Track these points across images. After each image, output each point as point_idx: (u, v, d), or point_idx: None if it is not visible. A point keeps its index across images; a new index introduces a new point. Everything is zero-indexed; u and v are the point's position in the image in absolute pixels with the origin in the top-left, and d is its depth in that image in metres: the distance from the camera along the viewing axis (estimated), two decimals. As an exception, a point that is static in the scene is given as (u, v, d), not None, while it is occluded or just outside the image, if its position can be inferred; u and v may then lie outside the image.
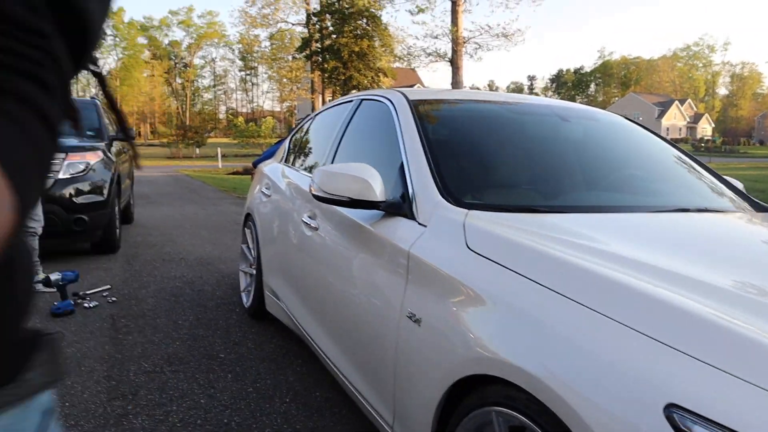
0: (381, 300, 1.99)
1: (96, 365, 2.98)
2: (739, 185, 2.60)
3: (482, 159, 2.38)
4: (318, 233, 2.61)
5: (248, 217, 4.15)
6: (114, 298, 4.20)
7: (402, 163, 2.21)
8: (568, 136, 2.63)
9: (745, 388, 1.00)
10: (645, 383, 1.08)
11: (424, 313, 1.71)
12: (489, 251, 1.62)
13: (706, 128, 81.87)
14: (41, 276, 4.15)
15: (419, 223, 1.96)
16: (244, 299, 4.11)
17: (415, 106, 2.41)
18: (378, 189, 2.04)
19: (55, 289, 4.03)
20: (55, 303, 3.87)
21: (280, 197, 3.49)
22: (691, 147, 52.91)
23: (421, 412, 1.66)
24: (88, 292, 4.26)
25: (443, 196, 1.97)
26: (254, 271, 3.80)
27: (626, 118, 2.94)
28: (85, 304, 3.98)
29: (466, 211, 1.87)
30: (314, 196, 2.12)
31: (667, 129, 72.54)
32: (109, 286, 4.46)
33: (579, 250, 1.51)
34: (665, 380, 1.06)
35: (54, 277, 3.97)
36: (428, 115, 2.40)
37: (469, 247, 1.70)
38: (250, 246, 4.00)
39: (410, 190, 2.08)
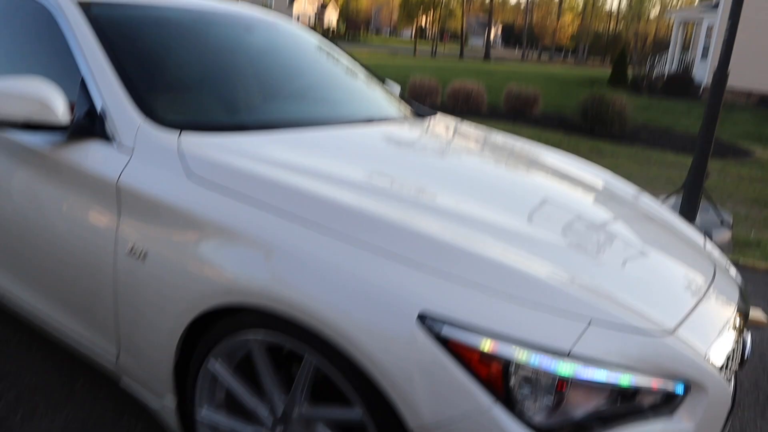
0: (87, 241, 1.79)
1: None
2: (397, 90, 2.99)
3: (177, 73, 2.22)
4: None
5: None
6: None
7: (82, 78, 1.94)
8: (250, 47, 2.59)
9: (482, 291, 1.28)
10: (397, 296, 1.27)
11: (149, 248, 1.62)
12: (214, 179, 1.60)
13: (333, 18, 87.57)
14: None
15: (120, 147, 1.78)
16: None
17: (84, 8, 2.09)
18: (61, 108, 1.79)
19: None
20: None
21: None
22: (321, 34, 56.65)
23: (158, 343, 1.63)
24: None
25: (145, 115, 1.83)
26: None
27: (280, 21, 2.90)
28: None
29: (177, 132, 1.79)
30: None
31: (298, 17, 75.54)
32: None
33: (298, 172, 1.61)
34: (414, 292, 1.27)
35: None
36: (104, 20, 2.10)
37: (191, 175, 1.64)
38: None
39: (98, 107, 1.86)
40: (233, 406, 1.61)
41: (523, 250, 1.45)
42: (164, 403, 1.72)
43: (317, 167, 1.68)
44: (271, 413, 1.51)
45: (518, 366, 1.20)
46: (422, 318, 1.24)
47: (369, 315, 1.27)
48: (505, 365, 1.20)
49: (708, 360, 1.38)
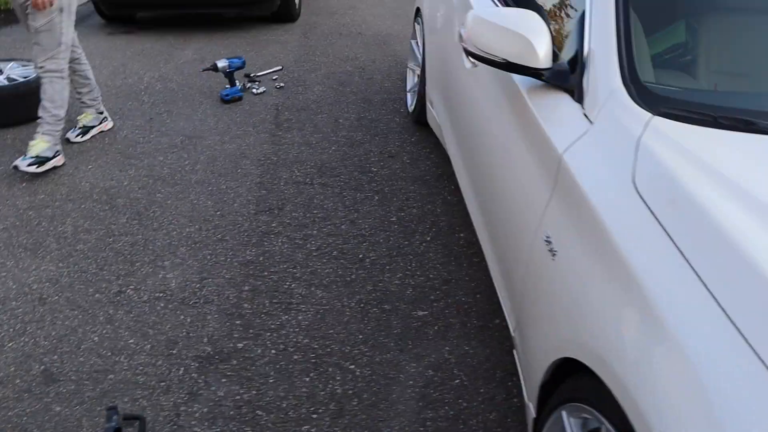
0: (520, 202, 1.67)
1: (251, 168, 3.42)
2: None
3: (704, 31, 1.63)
4: (475, 68, 2.23)
5: (418, 11, 3.79)
6: (282, 84, 4.60)
7: (584, 11, 1.66)
8: None
9: None
10: None
11: (560, 247, 1.37)
12: (657, 203, 1.17)
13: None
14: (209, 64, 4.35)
15: (585, 115, 1.49)
16: (409, 100, 3.99)
17: None
18: (543, 51, 1.60)
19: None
20: (225, 88, 4.29)
21: (446, 2, 3.01)
22: None
23: (538, 352, 1.46)
24: (259, 74, 4.71)
25: (624, 80, 1.44)
26: (419, 74, 3.56)
27: None
28: (254, 90, 4.45)
29: (649, 115, 1.35)
30: (464, 50, 1.76)
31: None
32: (280, 67, 4.90)
33: None
34: None
35: (221, 64, 4.22)
36: None
37: (635, 185, 1.24)
38: (419, 43, 3.68)
39: (584, 55, 1.58)
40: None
41: None
42: (528, 403, 1.58)
43: None
44: None
45: None
46: None
47: None
48: None
49: None
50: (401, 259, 2.70)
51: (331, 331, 2.29)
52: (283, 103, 4.31)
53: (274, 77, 4.73)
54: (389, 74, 4.89)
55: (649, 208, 1.18)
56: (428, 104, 3.45)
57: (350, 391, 2.05)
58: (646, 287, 1.07)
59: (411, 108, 3.96)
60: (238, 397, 2.02)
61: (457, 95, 2.65)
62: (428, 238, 2.85)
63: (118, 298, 2.45)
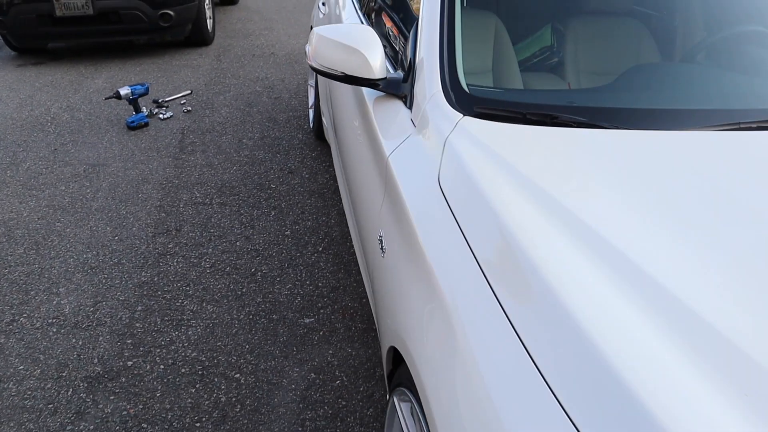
0: (368, 203, 1.77)
1: (153, 192, 3.52)
2: None
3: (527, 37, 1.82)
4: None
5: (312, 29, 3.74)
6: (189, 108, 4.68)
7: (416, 25, 1.79)
8: None
9: None
10: None
11: (387, 245, 1.48)
12: (455, 200, 1.26)
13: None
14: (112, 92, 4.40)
15: (411, 120, 1.61)
16: (310, 116, 4.10)
17: None
18: (376, 63, 1.71)
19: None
20: (132, 115, 4.39)
21: (329, 15, 3.16)
22: None
23: (382, 351, 1.57)
24: (167, 99, 4.79)
25: (444, 85, 1.54)
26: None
27: None
28: (161, 115, 4.54)
29: (460, 116, 1.44)
30: (309, 65, 1.86)
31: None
32: (189, 91, 4.98)
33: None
34: None
35: (123, 91, 4.26)
36: None
37: (439, 184, 1.33)
38: None
39: (415, 64, 1.70)
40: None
41: None
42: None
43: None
44: None
45: None
46: None
47: None
48: None
49: None
50: (292, 271, 2.83)
51: (219, 344, 2.40)
52: (188, 126, 4.40)
53: (182, 101, 4.81)
54: (297, 92, 5.04)
55: (449, 205, 1.26)
56: (323, 119, 3.60)
57: (234, 399, 2.15)
58: (440, 281, 1.18)
59: (312, 124, 4.13)
60: (125, 413, 2.10)
61: (333, 108, 2.80)
62: (320, 249, 2.99)
63: (11, 326, 2.49)
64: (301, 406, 2.13)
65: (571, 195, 1.18)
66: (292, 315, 2.55)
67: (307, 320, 2.52)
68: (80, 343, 2.40)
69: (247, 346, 2.39)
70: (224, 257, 2.94)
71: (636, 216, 1.12)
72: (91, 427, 2.05)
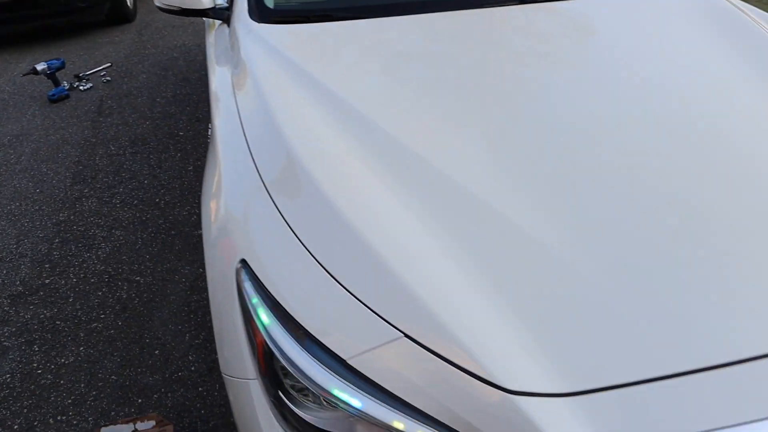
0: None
1: (72, 151, 3.85)
2: None
3: None
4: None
5: None
6: (108, 78, 4.99)
7: None
8: None
9: None
10: None
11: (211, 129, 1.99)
12: (238, 84, 1.68)
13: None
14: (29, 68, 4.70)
15: (228, 36, 2.05)
16: None
17: None
18: None
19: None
20: (52, 89, 4.62)
21: None
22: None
23: None
24: (87, 72, 5.09)
25: (250, 5, 2.00)
26: None
27: None
28: (81, 87, 4.84)
29: (256, 24, 1.90)
30: (156, 6, 2.27)
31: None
32: (109, 64, 5.29)
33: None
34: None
35: (40, 67, 4.59)
36: None
37: (232, 84, 1.73)
38: None
39: None
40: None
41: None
42: None
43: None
44: None
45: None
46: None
47: None
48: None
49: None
50: (191, 196, 3.23)
51: (124, 257, 2.80)
52: (107, 94, 4.73)
53: (102, 74, 5.13)
54: (210, 55, 5.36)
55: (235, 97, 1.62)
56: None
57: (133, 294, 2.57)
58: (220, 151, 1.49)
59: None
60: (41, 317, 2.50)
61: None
62: (216, 177, 3.38)
63: (-56, 267, 2.87)
64: (188, 293, 2.54)
65: (329, 74, 1.56)
66: (188, 229, 2.96)
67: (199, 232, 2.93)
68: (4, 272, 2.79)
69: (147, 256, 2.79)
70: (133, 193, 3.32)
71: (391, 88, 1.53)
72: (13, 329, 2.45)
